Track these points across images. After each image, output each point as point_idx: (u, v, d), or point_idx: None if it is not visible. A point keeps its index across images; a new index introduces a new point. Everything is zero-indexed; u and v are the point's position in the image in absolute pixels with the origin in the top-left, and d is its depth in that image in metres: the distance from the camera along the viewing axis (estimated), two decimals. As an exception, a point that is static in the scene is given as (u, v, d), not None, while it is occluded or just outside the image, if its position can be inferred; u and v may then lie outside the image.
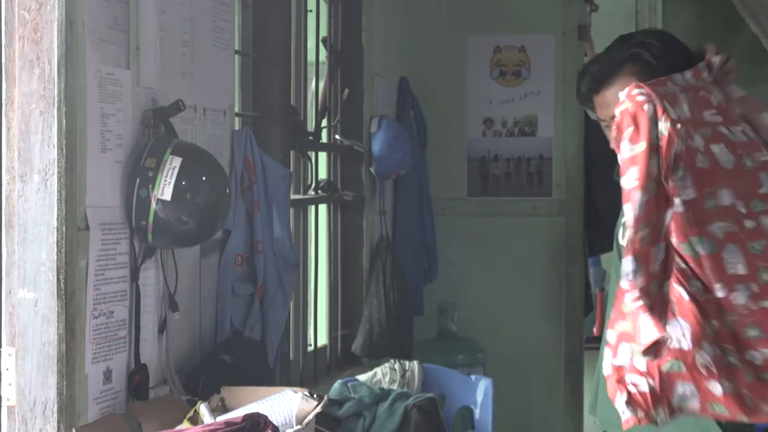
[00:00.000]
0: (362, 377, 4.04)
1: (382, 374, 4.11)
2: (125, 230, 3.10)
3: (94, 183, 2.96)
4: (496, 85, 6.06)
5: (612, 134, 2.61)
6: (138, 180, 3.07)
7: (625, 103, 2.56)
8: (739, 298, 2.51)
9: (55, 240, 2.81)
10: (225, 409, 3.18)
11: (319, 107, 4.97)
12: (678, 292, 2.54)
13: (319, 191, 4.90)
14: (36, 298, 2.82)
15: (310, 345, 4.82)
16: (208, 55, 3.61)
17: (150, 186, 3.06)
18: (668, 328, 2.55)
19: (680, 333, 2.53)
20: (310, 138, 4.76)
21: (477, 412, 4.15)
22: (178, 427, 3.05)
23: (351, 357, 5.11)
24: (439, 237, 5.88)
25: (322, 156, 5.07)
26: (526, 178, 6.05)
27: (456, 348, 5.68)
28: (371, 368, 4.20)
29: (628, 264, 2.51)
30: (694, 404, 2.55)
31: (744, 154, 2.66)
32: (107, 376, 3.04)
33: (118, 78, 3.07)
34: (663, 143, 2.53)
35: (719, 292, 2.52)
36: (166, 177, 3.06)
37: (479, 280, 5.98)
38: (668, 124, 2.55)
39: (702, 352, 2.52)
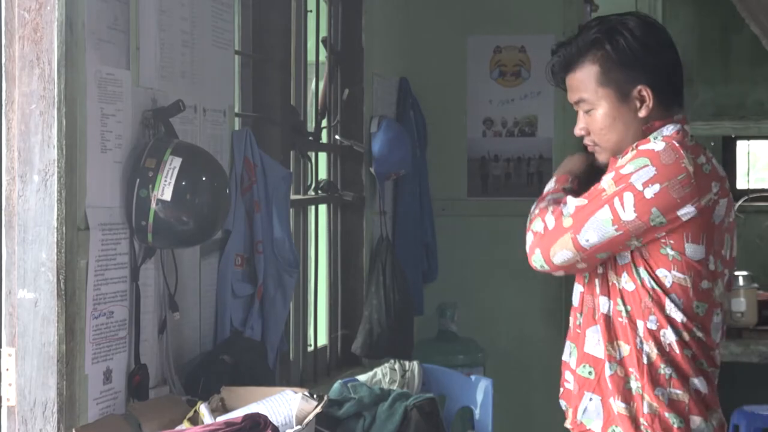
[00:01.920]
0: (362, 377, 4.04)
1: (382, 374, 4.11)
2: (125, 230, 3.10)
3: (94, 183, 2.96)
4: (496, 85, 6.06)
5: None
6: (138, 180, 3.07)
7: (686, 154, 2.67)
8: (667, 336, 2.72)
9: (55, 240, 2.81)
10: (225, 409, 3.18)
11: (319, 107, 4.97)
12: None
13: (319, 191, 4.90)
14: (36, 298, 2.82)
15: (310, 345, 4.82)
16: (208, 55, 3.61)
17: (150, 186, 3.06)
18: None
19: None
20: (310, 138, 4.76)
21: (477, 412, 4.15)
22: (178, 427, 3.05)
23: (351, 357, 5.11)
24: (439, 237, 5.88)
25: (322, 156, 5.07)
26: (526, 178, 6.05)
27: (456, 348, 5.68)
28: (371, 368, 4.20)
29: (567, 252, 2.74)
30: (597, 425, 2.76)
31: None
32: (107, 376, 3.04)
33: (118, 78, 3.07)
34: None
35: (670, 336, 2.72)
36: (166, 177, 3.06)
37: (479, 280, 5.98)
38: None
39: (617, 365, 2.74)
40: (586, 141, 2.84)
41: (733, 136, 8.41)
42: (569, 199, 2.75)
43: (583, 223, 2.69)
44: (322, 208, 5.03)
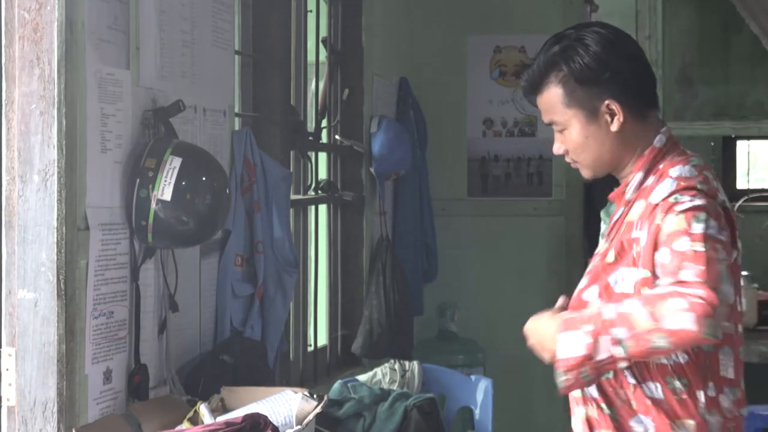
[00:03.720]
0: (362, 377, 4.04)
1: (382, 374, 4.11)
2: (125, 230, 3.10)
3: (94, 183, 2.96)
4: (496, 85, 6.06)
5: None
6: (138, 180, 3.07)
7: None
8: (725, 401, 2.59)
9: (55, 240, 2.81)
10: (225, 409, 3.18)
11: (319, 107, 4.97)
12: (648, 389, 2.57)
13: (319, 191, 4.90)
14: (36, 299, 2.82)
15: (310, 345, 4.82)
16: (208, 55, 3.61)
17: (150, 186, 3.06)
18: (631, 423, 2.60)
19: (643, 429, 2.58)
20: (310, 138, 4.76)
21: (477, 412, 4.15)
22: (178, 427, 3.05)
23: (351, 357, 5.11)
24: (439, 237, 5.88)
25: (322, 156, 5.07)
26: (526, 178, 6.06)
27: (456, 348, 5.68)
28: (371, 368, 4.20)
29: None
30: None
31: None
32: (107, 376, 3.04)
33: (118, 78, 3.07)
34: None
35: (710, 391, 2.57)
36: (166, 177, 3.06)
37: (479, 280, 5.98)
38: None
39: None
40: (567, 159, 2.77)
41: (733, 136, 8.41)
42: (681, 275, 2.43)
43: (718, 281, 2.42)
44: (322, 208, 5.03)
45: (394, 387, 4.01)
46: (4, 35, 2.85)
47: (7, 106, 2.85)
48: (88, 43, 2.93)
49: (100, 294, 3.00)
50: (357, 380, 3.94)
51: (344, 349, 5.14)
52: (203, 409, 3.07)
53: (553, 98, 2.68)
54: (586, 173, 2.75)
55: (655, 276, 2.49)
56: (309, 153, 4.76)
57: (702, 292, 2.36)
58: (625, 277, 2.55)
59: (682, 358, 2.54)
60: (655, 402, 2.57)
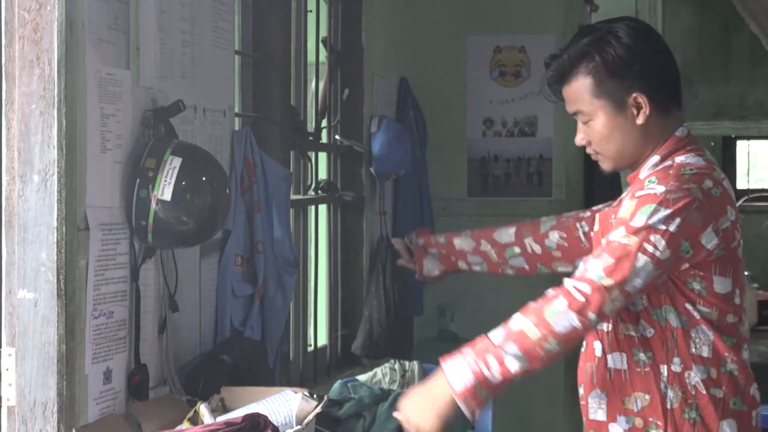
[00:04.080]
0: (362, 377, 4.04)
1: (382, 374, 4.11)
2: (125, 230, 3.10)
3: (94, 183, 2.96)
4: (496, 85, 6.06)
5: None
6: (138, 180, 3.07)
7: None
8: (693, 378, 2.67)
9: (55, 240, 2.81)
10: (225, 409, 3.18)
11: (319, 107, 4.97)
12: (612, 360, 2.73)
13: (319, 191, 4.90)
14: (36, 298, 2.82)
15: (310, 345, 4.82)
16: (208, 55, 3.61)
17: (150, 186, 3.06)
18: (589, 398, 2.78)
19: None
20: (310, 138, 4.76)
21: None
22: (178, 427, 3.05)
23: (351, 357, 5.11)
24: (439, 237, 5.88)
25: (322, 156, 5.07)
26: (526, 178, 6.06)
27: (456, 348, 5.65)
28: (371, 368, 4.20)
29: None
30: None
31: None
32: (107, 376, 3.04)
33: (118, 78, 3.07)
34: None
35: (675, 367, 2.67)
36: (166, 177, 3.06)
37: (479, 280, 5.96)
38: None
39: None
40: (588, 150, 2.80)
41: (733, 136, 8.43)
42: (589, 265, 2.60)
43: (626, 275, 2.56)
44: (322, 208, 5.03)
45: (394, 387, 4.00)
46: (4, 35, 2.85)
47: (7, 106, 2.85)
48: (88, 43, 2.92)
49: (100, 294, 3.00)
50: (357, 380, 3.94)
51: (344, 349, 5.14)
52: (203, 409, 3.07)
53: (581, 88, 2.73)
54: (608, 165, 2.80)
55: None
56: (309, 153, 4.76)
57: (586, 286, 2.54)
58: None
59: (648, 332, 2.66)
60: (616, 373, 2.70)
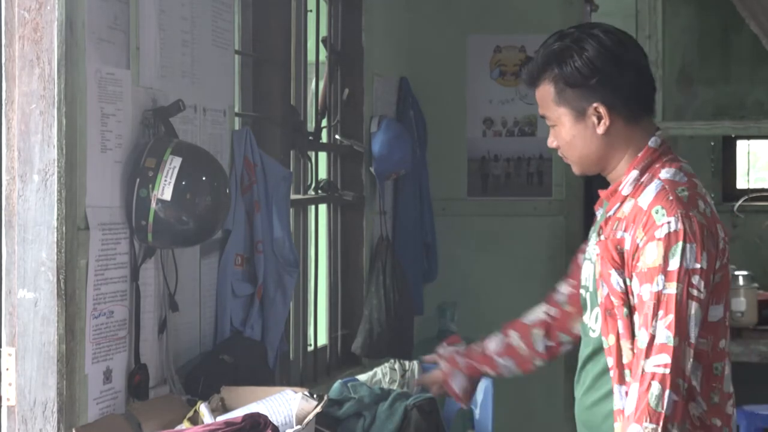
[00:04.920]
0: (362, 377, 4.04)
1: (382, 374, 4.11)
2: (125, 230, 3.10)
3: (94, 183, 2.96)
4: (496, 85, 6.06)
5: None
6: (138, 180, 3.07)
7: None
8: (694, 410, 2.64)
9: (55, 240, 2.81)
10: (225, 409, 3.18)
11: (319, 107, 4.97)
12: (620, 394, 2.66)
13: (319, 191, 4.90)
14: (36, 298, 2.82)
15: (310, 345, 4.82)
16: (208, 55, 3.61)
17: (150, 186, 3.06)
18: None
19: None
20: (310, 138, 4.76)
21: (477, 412, 4.15)
22: (178, 427, 3.05)
23: (351, 357, 5.11)
24: (439, 237, 5.88)
25: (322, 156, 5.07)
26: (526, 178, 6.05)
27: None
28: (371, 368, 4.20)
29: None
30: None
31: None
32: (107, 376, 3.04)
33: (118, 78, 3.07)
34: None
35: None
36: (166, 177, 3.06)
37: (479, 280, 5.98)
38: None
39: None
40: (559, 153, 2.85)
41: (733, 136, 8.41)
42: (652, 330, 2.58)
43: (685, 330, 2.56)
44: (322, 208, 5.03)
45: (394, 387, 4.01)
46: (4, 35, 2.85)
47: (7, 105, 2.85)
48: (88, 43, 2.93)
49: (100, 294, 3.00)
50: (357, 380, 3.94)
51: (344, 349, 5.14)
52: (203, 408, 3.07)
53: (545, 95, 2.78)
54: (575, 169, 2.86)
55: (629, 300, 2.64)
56: (309, 153, 4.76)
57: (665, 357, 2.53)
58: (620, 279, 2.65)
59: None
60: (618, 412, 2.67)
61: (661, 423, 2.52)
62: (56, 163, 2.81)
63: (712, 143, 8.49)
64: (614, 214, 2.73)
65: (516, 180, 6.05)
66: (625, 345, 2.65)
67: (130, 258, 3.14)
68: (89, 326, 2.95)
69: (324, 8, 5.05)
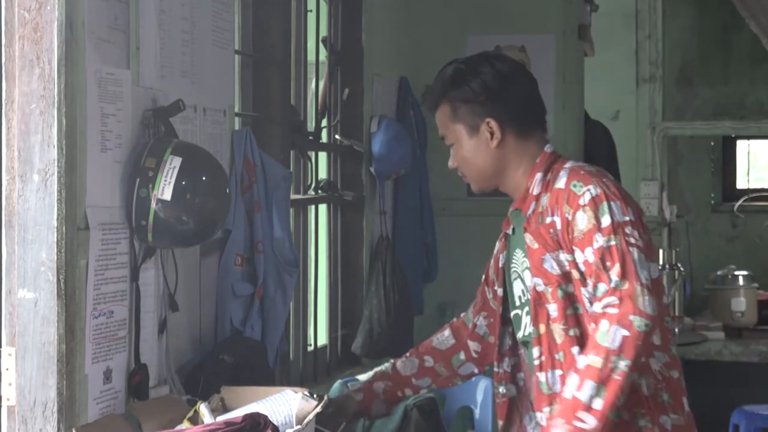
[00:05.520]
0: (362, 377, 4.04)
1: (382, 374, 4.10)
2: (125, 230, 3.11)
3: (94, 183, 2.96)
4: (496, 85, 6.05)
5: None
6: (138, 180, 3.07)
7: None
8: (654, 365, 2.83)
9: (55, 240, 2.81)
10: (225, 409, 3.17)
11: (319, 107, 4.97)
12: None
13: (319, 191, 4.90)
14: (36, 298, 2.82)
15: (310, 345, 4.82)
16: (208, 55, 3.61)
17: (150, 186, 3.06)
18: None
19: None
20: (310, 138, 4.76)
21: (477, 412, 4.15)
22: (178, 427, 3.05)
23: (351, 357, 5.11)
24: (439, 237, 5.88)
25: (322, 156, 5.07)
26: (526, 178, 6.05)
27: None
28: (371, 368, 4.20)
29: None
30: None
31: None
32: (107, 376, 3.04)
33: (118, 78, 3.07)
34: None
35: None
36: (166, 177, 3.06)
37: (479, 280, 5.96)
38: None
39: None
40: (459, 173, 3.10)
41: (733, 136, 8.41)
42: (605, 279, 2.76)
43: (634, 269, 2.74)
44: (322, 208, 5.03)
45: (394, 387, 4.00)
46: (4, 35, 2.85)
47: (7, 105, 2.85)
48: (88, 43, 2.93)
49: (100, 294, 3.00)
50: (357, 380, 3.94)
51: (344, 349, 5.14)
52: (203, 408, 3.07)
53: (443, 115, 3.05)
54: (474, 187, 3.15)
55: (567, 278, 2.84)
56: (309, 153, 4.76)
57: (614, 299, 2.71)
58: (554, 262, 2.86)
59: None
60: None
61: (604, 355, 2.66)
62: (56, 163, 2.81)
63: (712, 143, 8.49)
64: (534, 211, 2.95)
65: (516, 180, 6.05)
66: (557, 327, 2.84)
67: (130, 258, 3.14)
68: (89, 326, 2.95)
69: (324, 8, 5.05)
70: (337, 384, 3.87)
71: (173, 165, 3.07)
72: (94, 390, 2.98)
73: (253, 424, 2.80)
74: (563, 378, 2.82)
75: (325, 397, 3.15)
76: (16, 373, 2.83)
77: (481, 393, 4.14)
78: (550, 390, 2.87)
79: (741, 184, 8.73)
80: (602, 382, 2.67)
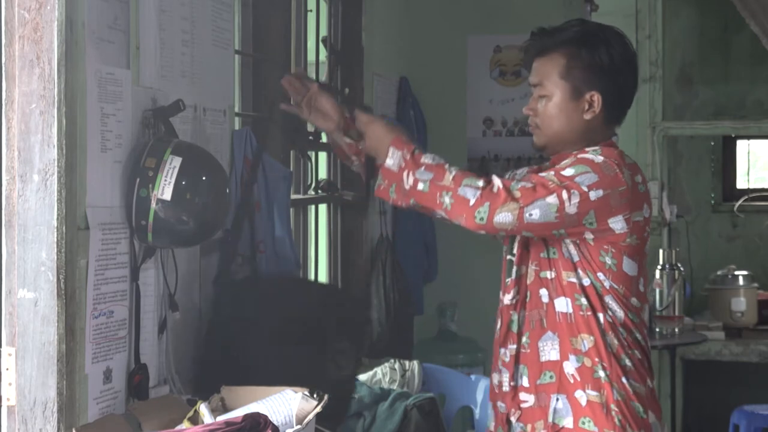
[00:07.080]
0: (362, 377, 4.04)
1: (382, 374, 4.11)
2: (125, 230, 3.10)
3: (94, 183, 2.96)
4: (496, 85, 6.06)
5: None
6: (138, 180, 3.07)
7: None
8: (621, 332, 2.95)
9: (55, 240, 2.81)
10: (225, 409, 3.17)
11: (319, 107, 4.96)
12: (559, 303, 2.94)
13: (319, 191, 4.90)
14: (36, 298, 2.82)
15: (310, 345, 4.81)
16: (208, 55, 3.61)
17: (150, 186, 3.06)
18: (539, 343, 2.97)
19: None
20: (310, 138, 4.76)
21: (477, 412, 4.15)
22: (178, 427, 3.05)
23: (351, 357, 5.10)
24: (439, 237, 5.88)
25: (322, 156, 5.07)
26: (526, 178, 6.05)
27: (456, 348, 5.68)
28: (371, 368, 4.20)
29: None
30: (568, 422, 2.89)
31: None
32: (107, 376, 3.04)
33: (118, 78, 3.07)
34: None
35: (608, 317, 2.91)
36: (166, 177, 3.06)
37: (479, 280, 5.97)
38: None
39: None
40: (530, 121, 3.05)
41: (733, 135, 8.41)
42: (517, 179, 2.91)
43: (533, 200, 2.81)
44: (322, 208, 5.03)
45: (394, 387, 4.01)
46: (4, 35, 2.85)
47: (7, 105, 2.85)
48: (88, 43, 2.93)
49: (100, 294, 3.00)
50: (357, 380, 3.94)
51: (344, 349, 5.13)
52: (203, 408, 3.07)
53: (552, 65, 3.00)
54: (539, 140, 3.06)
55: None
56: (309, 152, 4.76)
57: (501, 187, 2.83)
58: None
59: (584, 281, 2.90)
60: (563, 316, 2.91)
61: (452, 190, 2.89)
62: (56, 163, 2.81)
63: (712, 143, 8.49)
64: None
65: (516, 180, 6.05)
66: (531, 268, 3.01)
67: (130, 258, 3.14)
68: (89, 326, 2.95)
69: (324, 8, 5.05)
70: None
71: (173, 165, 3.07)
72: (94, 390, 2.98)
73: (253, 424, 2.80)
74: (528, 318, 2.96)
75: (325, 397, 3.15)
76: (16, 373, 2.83)
77: (481, 392, 4.15)
78: (519, 329, 3.01)
79: (741, 184, 8.73)
80: (432, 184, 2.91)
